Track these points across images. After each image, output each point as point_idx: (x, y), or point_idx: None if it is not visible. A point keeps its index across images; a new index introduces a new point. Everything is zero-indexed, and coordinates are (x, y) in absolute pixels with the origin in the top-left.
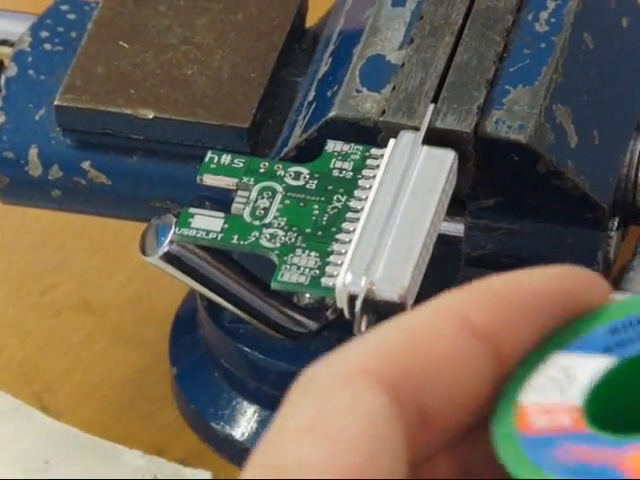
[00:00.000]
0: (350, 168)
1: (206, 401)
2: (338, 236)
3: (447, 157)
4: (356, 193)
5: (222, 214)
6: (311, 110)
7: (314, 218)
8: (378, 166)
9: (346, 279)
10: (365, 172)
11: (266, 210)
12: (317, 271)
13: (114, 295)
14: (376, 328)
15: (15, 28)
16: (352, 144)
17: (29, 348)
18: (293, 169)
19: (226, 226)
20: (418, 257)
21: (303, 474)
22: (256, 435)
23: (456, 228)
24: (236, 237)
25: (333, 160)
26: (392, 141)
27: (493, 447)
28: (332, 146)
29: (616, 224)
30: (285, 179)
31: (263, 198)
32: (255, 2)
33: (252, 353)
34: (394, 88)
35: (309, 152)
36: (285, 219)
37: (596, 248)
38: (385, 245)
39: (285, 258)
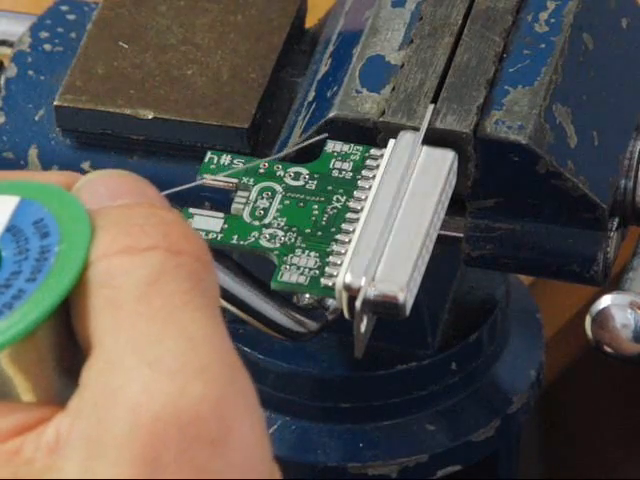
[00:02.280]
0: (350, 168)
1: None
2: (338, 236)
3: (447, 157)
4: (356, 193)
5: (222, 214)
6: (311, 110)
7: (314, 218)
8: (378, 166)
9: (346, 279)
10: (365, 172)
11: (266, 210)
12: (317, 271)
13: None
14: None
15: (15, 28)
16: (352, 144)
17: None
18: (293, 169)
19: (226, 226)
20: (418, 257)
21: None
22: None
23: (456, 228)
24: (236, 237)
25: (333, 160)
26: (392, 141)
27: None
28: (332, 146)
29: (616, 224)
30: (285, 179)
31: (263, 198)
32: (255, 3)
33: (252, 353)
34: (394, 88)
35: (309, 152)
36: (285, 219)
37: (596, 248)
38: (385, 245)
39: (285, 258)
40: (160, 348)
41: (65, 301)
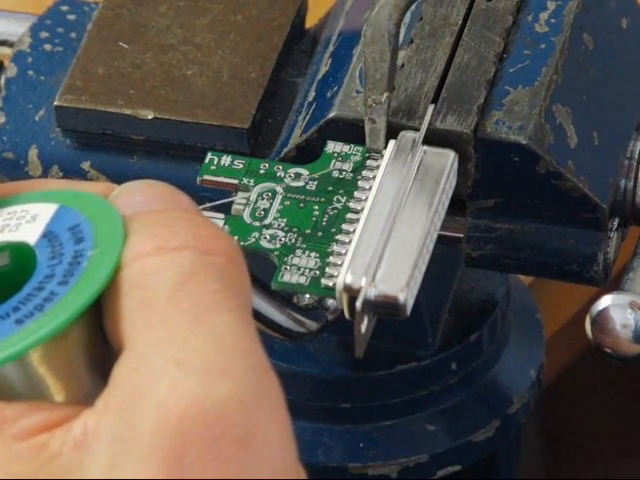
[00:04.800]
0: (350, 169)
1: None
2: (338, 237)
3: (447, 157)
4: (356, 194)
5: (222, 215)
6: (311, 111)
7: (314, 219)
8: (378, 167)
9: (346, 279)
10: (365, 173)
11: (266, 211)
12: (317, 272)
13: None
14: None
15: (15, 28)
16: (352, 145)
17: None
18: (293, 170)
19: (226, 227)
20: (418, 257)
21: None
22: None
23: (456, 228)
24: (236, 238)
25: (333, 161)
26: (392, 141)
27: None
28: (332, 147)
29: (616, 224)
30: (285, 180)
31: (263, 199)
32: (255, 3)
33: None
34: (394, 89)
35: (309, 153)
36: (285, 220)
37: (596, 248)
38: (385, 245)
39: (285, 259)
40: (188, 348)
41: (98, 303)
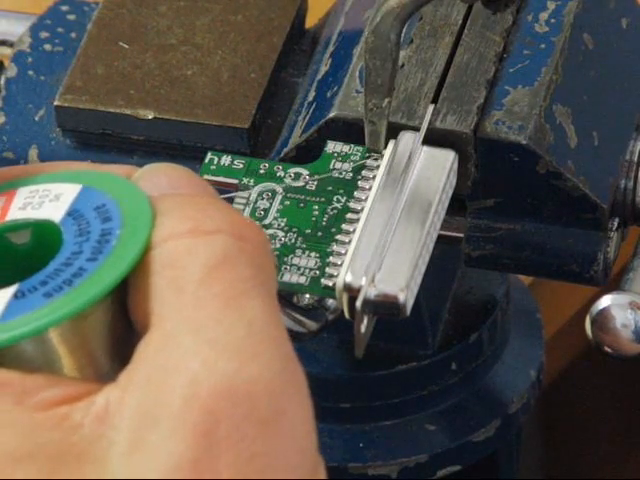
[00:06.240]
0: (350, 169)
1: None
2: (338, 236)
3: (447, 157)
4: (356, 194)
5: None
6: (311, 111)
7: (314, 219)
8: (378, 167)
9: (346, 279)
10: (365, 173)
11: (266, 211)
12: (317, 271)
13: None
14: None
15: (15, 28)
16: (352, 145)
17: None
18: (293, 170)
19: None
20: (418, 257)
21: None
22: None
23: (456, 228)
24: None
25: (333, 161)
26: (392, 141)
27: None
28: (332, 147)
29: (616, 224)
30: (285, 180)
31: (263, 199)
32: (255, 3)
33: None
34: (394, 89)
35: (309, 152)
36: (285, 220)
37: (596, 248)
38: (385, 245)
39: (285, 259)
40: (219, 329)
41: (123, 284)
